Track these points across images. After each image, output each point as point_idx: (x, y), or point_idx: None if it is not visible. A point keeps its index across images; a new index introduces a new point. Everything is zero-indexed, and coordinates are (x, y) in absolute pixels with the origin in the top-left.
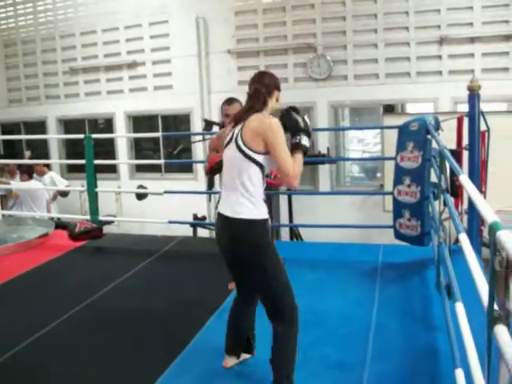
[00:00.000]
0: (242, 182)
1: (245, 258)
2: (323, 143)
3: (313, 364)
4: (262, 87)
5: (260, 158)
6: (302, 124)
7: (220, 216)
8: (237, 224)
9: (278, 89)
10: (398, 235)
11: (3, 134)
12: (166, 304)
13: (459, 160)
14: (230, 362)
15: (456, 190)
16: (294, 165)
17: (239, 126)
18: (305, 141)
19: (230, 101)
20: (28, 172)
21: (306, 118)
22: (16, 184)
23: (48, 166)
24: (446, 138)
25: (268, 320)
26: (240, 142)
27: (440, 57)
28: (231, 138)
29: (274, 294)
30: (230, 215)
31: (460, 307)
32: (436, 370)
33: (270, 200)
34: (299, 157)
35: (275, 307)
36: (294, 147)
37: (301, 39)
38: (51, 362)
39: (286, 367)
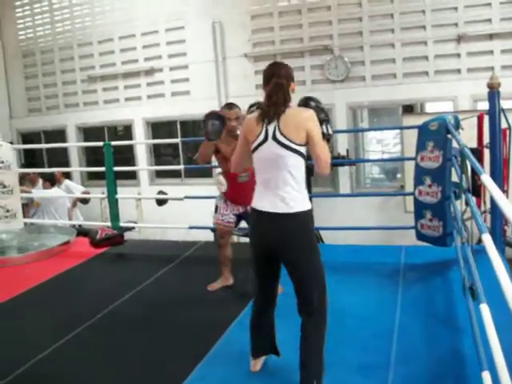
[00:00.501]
0: (291, 176)
1: (300, 250)
2: (342, 145)
3: (335, 368)
4: (283, 79)
5: (303, 150)
6: (323, 114)
7: (267, 214)
8: (293, 218)
9: (293, 79)
10: (420, 236)
11: (24, 143)
12: (188, 310)
13: (480, 159)
14: (258, 365)
15: (478, 190)
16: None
17: (273, 124)
18: (330, 129)
19: (230, 106)
20: (50, 180)
21: (323, 106)
22: (38, 192)
23: (65, 174)
24: (467, 136)
25: (299, 319)
26: (281, 138)
27: (458, 55)
28: (266, 137)
29: (319, 289)
30: (283, 211)
31: (485, 308)
32: (462, 372)
33: None
34: (327, 145)
35: (316, 303)
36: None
37: (317, 41)
38: (74, 370)
39: (316, 367)
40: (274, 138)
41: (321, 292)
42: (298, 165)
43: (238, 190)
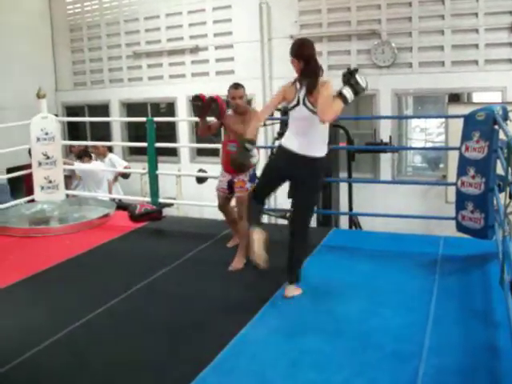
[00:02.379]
0: (315, 131)
1: (307, 182)
2: (385, 131)
3: (369, 353)
4: (315, 55)
5: None
6: (353, 80)
7: (291, 153)
8: (310, 160)
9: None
10: (461, 227)
11: (68, 116)
12: (221, 288)
13: None
14: (291, 291)
15: None
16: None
17: (303, 92)
18: (346, 91)
19: (236, 86)
20: (88, 155)
21: (360, 78)
22: (79, 165)
23: (109, 148)
24: None
25: None
26: (309, 104)
27: (510, 44)
28: (298, 102)
29: (304, 218)
30: (301, 153)
31: None
32: (496, 366)
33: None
34: (337, 102)
35: (298, 227)
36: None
37: (365, 25)
38: (104, 340)
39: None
40: (304, 104)
41: (304, 220)
42: (318, 123)
43: (225, 158)
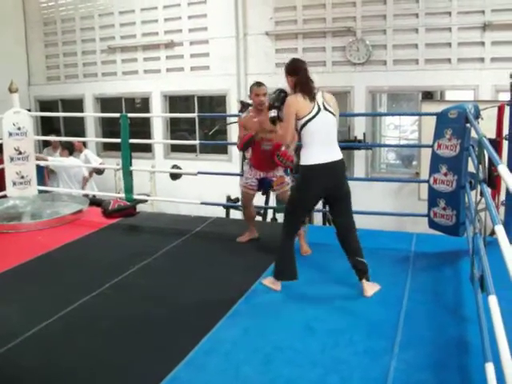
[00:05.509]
0: (336, 133)
1: (347, 185)
2: (359, 129)
3: (340, 349)
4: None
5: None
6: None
7: (332, 163)
8: (343, 162)
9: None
10: (432, 224)
11: (41, 111)
12: (194, 284)
13: (498, 150)
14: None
15: (494, 181)
16: None
17: (320, 100)
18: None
19: (259, 84)
20: (69, 148)
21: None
22: (53, 160)
23: (83, 143)
24: (486, 127)
25: None
26: (330, 109)
27: (483, 43)
28: (319, 109)
29: (285, 214)
30: (339, 158)
31: (493, 300)
32: (466, 362)
33: None
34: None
35: (283, 224)
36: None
37: (340, 22)
38: (77, 336)
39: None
40: (326, 109)
41: (285, 216)
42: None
43: (261, 157)
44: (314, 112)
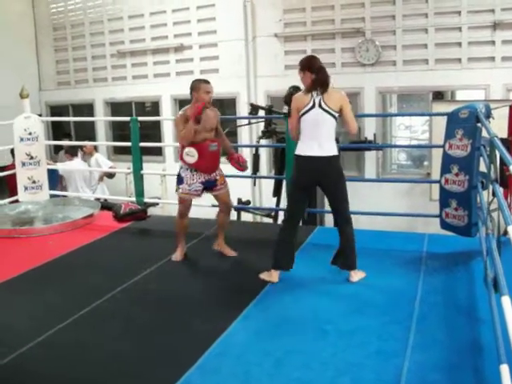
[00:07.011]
0: (328, 131)
1: (332, 178)
2: (370, 129)
3: (352, 351)
4: (323, 67)
5: (337, 115)
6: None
7: (313, 158)
8: (328, 159)
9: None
10: (444, 225)
11: (52, 116)
12: (205, 287)
13: (510, 149)
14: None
15: (506, 181)
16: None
17: (319, 97)
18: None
19: (206, 81)
20: (71, 152)
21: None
22: (61, 165)
23: (94, 147)
24: (497, 126)
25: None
26: (325, 106)
27: (493, 42)
28: (313, 105)
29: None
30: (324, 155)
31: (507, 301)
32: (480, 364)
33: None
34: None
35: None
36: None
37: (349, 23)
38: (89, 341)
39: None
40: (320, 106)
41: (287, 199)
42: (334, 124)
43: (209, 159)
44: (307, 107)
